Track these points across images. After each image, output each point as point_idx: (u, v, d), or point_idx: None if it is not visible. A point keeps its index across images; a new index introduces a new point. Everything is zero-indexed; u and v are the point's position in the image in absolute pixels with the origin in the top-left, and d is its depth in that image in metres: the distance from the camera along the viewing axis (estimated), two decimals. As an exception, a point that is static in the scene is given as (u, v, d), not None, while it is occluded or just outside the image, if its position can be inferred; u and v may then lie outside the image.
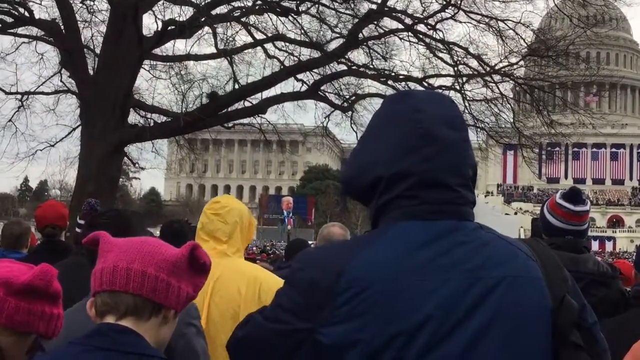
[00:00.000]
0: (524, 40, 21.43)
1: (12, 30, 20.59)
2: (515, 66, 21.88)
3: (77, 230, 4.47)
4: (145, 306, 2.02)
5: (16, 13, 19.59)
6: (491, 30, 20.75)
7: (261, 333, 1.84)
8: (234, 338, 1.93)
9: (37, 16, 19.85)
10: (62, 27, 19.23)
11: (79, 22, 19.61)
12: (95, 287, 2.06)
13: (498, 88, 21.74)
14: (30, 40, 21.17)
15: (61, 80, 21.35)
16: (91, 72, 19.27)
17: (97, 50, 20.00)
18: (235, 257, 3.73)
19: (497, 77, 21.51)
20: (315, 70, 21.43)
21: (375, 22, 20.75)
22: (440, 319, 1.68)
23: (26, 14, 19.47)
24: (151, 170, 62.88)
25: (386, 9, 20.29)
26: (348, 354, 1.69)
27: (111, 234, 2.19)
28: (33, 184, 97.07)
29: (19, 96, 21.77)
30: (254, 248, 39.06)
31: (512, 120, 22.74)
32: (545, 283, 1.79)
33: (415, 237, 1.76)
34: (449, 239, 1.77)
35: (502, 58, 21.28)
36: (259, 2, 20.45)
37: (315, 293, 1.75)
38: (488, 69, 21.24)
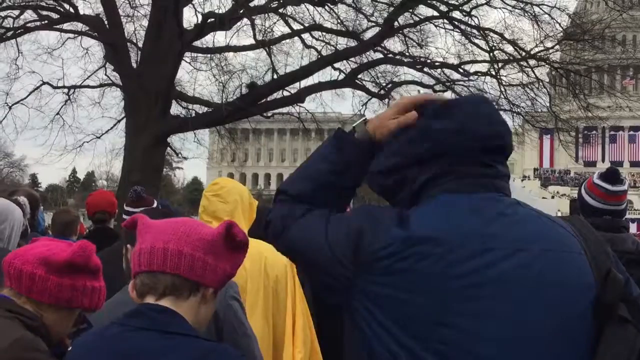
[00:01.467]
0: (559, 24, 21.12)
1: (57, 26, 20.90)
2: (551, 50, 21.55)
3: (125, 217, 4.52)
4: (184, 285, 2.02)
5: (61, 9, 19.88)
6: (526, 15, 20.50)
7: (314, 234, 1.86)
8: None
9: (81, 12, 20.15)
10: (106, 22, 19.42)
11: (121, 17, 19.82)
12: (134, 269, 2.08)
13: (534, 73, 21.49)
14: (75, 35, 21.48)
15: (106, 74, 21.67)
16: (134, 65, 19.45)
17: (140, 44, 20.19)
18: None
19: (532, 62, 21.23)
20: (352, 59, 21.36)
21: (411, 10, 20.57)
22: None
23: (71, 10, 19.75)
24: (193, 159, 63.33)
25: (421, -4, 20.14)
26: (379, 308, 1.71)
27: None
28: (81, 175, 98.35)
29: (65, 90, 22.13)
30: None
31: (548, 105, 22.46)
32: (588, 259, 1.76)
33: (458, 208, 1.77)
34: (490, 211, 1.77)
35: (537, 43, 21.02)
36: (296, -7, 20.43)
37: (361, 242, 1.76)
38: (524, 54, 20.96)
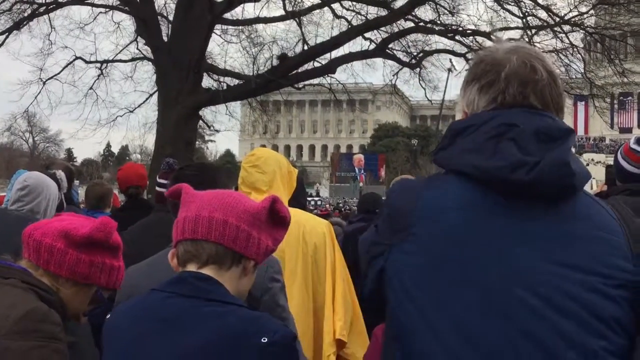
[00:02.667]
0: (594, -13, 20.70)
1: (89, 1, 21.01)
2: (585, 15, 21.10)
3: (158, 189, 4.55)
4: (226, 255, 2.02)
5: (92, -16, 19.91)
6: (560, -21, 20.13)
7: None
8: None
9: (111, -14, 20.15)
10: (136, -4, 19.47)
11: (151, -10, 19.83)
12: (177, 236, 2.07)
13: (568, 38, 21.09)
14: (107, 9, 21.58)
15: (137, 48, 21.78)
16: (165, 39, 19.49)
17: (170, 17, 20.21)
18: None
19: (566, 28, 20.83)
20: (383, 29, 21.16)
21: (442, -23, 20.33)
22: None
23: (101, -16, 19.77)
24: (226, 132, 63.58)
25: (452, -37, 19.85)
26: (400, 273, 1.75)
27: (197, 187, 2.20)
28: (115, 149, 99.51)
29: (98, 65, 22.30)
30: (327, 205, 39.16)
31: (583, 71, 22.07)
32: (628, 244, 1.72)
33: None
34: None
35: (571, 8, 20.58)
36: (325, -37, 20.26)
37: (397, 215, 1.82)
38: (557, 19, 20.58)
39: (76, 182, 6.99)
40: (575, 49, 21.44)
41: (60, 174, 4.97)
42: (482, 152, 1.74)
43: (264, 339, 1.88)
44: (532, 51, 1.89)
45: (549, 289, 1.63)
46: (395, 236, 1.79)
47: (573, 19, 20.68)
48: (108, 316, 2.12)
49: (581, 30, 21.39)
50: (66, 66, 22.04)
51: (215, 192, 2.11)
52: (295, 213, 3.74)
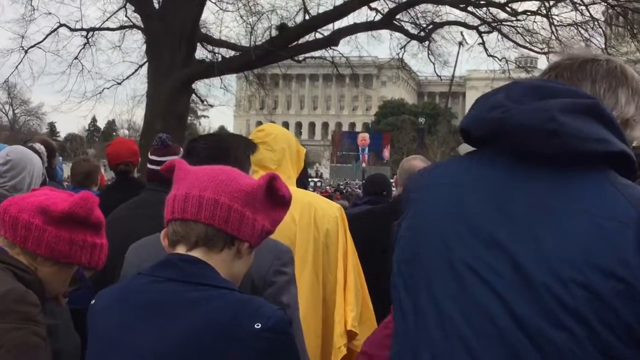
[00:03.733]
0: (617, -44, 20.59)
1: (74, -36, 20.84)
2: (607, -14, 21.06)
3: (150, 166, 4.54)
4: (218, 237, 2.01)
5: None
6: (581, -53, 19.99)
7: None
8: None
9: (99, -52, 20.00)
10: (126, -41, 19.36)
11: (142, -47, 19.69)
12: (167, 216, 2.06)
13: (588, 11, 20.96)
14: (94, -26, 21.40)
15: (126, 15, 21.59)
16: (156, 5, 19.37)
17: (162, -17, 20.11)
18: (288, 185, 3.62)
19: (587, 0, 20.76)
20: (390, -2, 21.07)
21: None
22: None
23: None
24: (220, 107, 63.42)
25: None
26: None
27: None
28: (101, 124, 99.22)
29: (84, 33, 22.13)
30: (328, 187, 39.17)
31: (603, 46, 21.95)
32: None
33: None
34: None
35: (593, -22, 20.51)
36: None
37: (405, 192, 1.94)
38: (577, -10, 20.51)
39: (60, 159, 6.97)
40: (595, 23, 21.33)
41: (40, 147, 4.96)
42: (477, 106, 1.80)
43: (257, 325, 1.86)
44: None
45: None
46: (405, 211, 1.87)
47: (594, -10, 20.59)
48: (93, 301, 2.11)
49: (602, 3, 21.28)
50: (49, 34, 21.91)
51: (209, 169, 2.09)
52: (306, 195, 3.75)
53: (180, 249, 2.03)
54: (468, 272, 1.66)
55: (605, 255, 1.55)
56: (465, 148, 1.94)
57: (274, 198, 2.08)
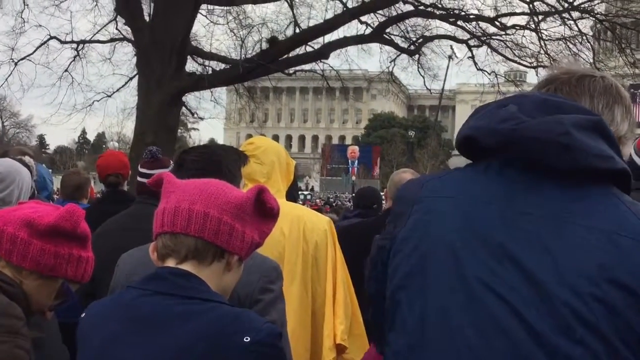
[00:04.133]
0: (605, -28, 20.74)
1: (65, -23, 20.83)
2: (595, 1, 21.15)
3: (140, 179, 4.53)
4: (208, 250, 2.00)
5: (69, -41, 19.76)
6: (569, -37, 20.12)
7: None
8: None
9: (90, -39, 20.02)
10: (116, -29, 19.35)
11: (133, -34, 19.70)
12: (156, 229, 2.05)
13: (577, 26, 21.11)
14: (84, -14, 21.43)
15: (117, 28, 21.60)
16: (147, 18, 19.37)
17: (153, -4, 20.11)
18: (277, 198, 3.58)
19: (575, 14, 20.87)
20: (380, 12, 21.11)
21: (444, -42, 20.30)
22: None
23: (79, -41, 19.62)
24: (210, 120, 63.35)
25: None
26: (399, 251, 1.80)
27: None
28: (91, 137, 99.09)
29: (74, 45, 22.14)
30: (318, 200, 39.20)
31: (592, 61, 22.09)
32: None
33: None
34: None
35: (581, -7, 20.64)
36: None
37: (400, 203, 1.89)
38: (566, 5, 20.60)
39: (49, 171, 6.94)
40: (584, 37, 21.48)
41: (30, 160, 4.94)
42: (486, 116, 1.78)
43: (247, 338, 1.85)
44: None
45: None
46: (398, 223, 1.84)
47: (582, 5, 20.73)
48: (82, 314, 2.10)
49: (591, 18, 21.43)
50: (40, 46, 21.90)
51: (198, 182, 2.08)
52: (295, 208, 3.76)
53: (170, 262, 2.02)
54: (480, 286, 1.64)
55: (621, 270, 1.57)
56: (454, 162, 1.95)
57: (263, 210, 2.08)
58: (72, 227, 2.29)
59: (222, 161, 2.84)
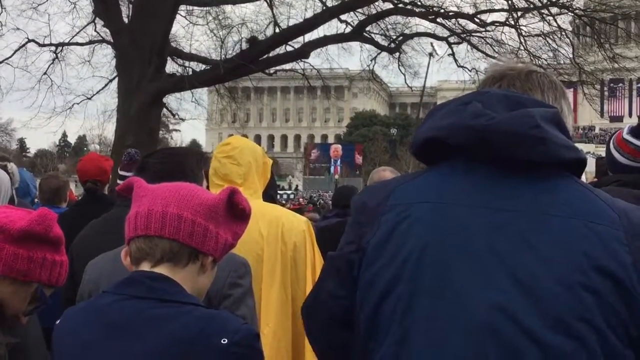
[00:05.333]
0: (583, -33, 20.88)
1: (42, -21, 20.72)
2: (574, -3, 21.32)
3: (119, 182, 4.51)
4: (182, 252, 2.00)
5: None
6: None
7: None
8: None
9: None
10: (94, -27, 19.27)
11: (111, -32, 19.63)
12: (129, 233, 2.04)
13: (556, 21, 21.25)
14: (62, -12, 21.30)
15: (95, 30, 21.58)
16: (126, 20, 19.30)
17: (131, -3, 20.04)
18: (254, 199, 3.54)
19: (554, 10, 20.99)
20: (360, 10, 21.17)
21: (422, -44, 20.36)
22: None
23: (56, -39, 19.55)
24: (192, 121, 63.20)
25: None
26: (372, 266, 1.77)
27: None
28: (72, 139, 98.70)
29: (53, 48, 22.08)
30: (300, 199, 39.16)
31: (571, 56, 22.26)
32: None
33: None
34: None
35: (560, -11, 20.74)
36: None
37: (364, 213, 1.86)
38: (545, 1, 20.72)
39: (30, 174, 6.89)
40: (563, 33, 21.62)
41: (12, 166, 4.90)
42: (450, 115, 1.79)
43: (224, 340, 1.86)
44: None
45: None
46: (364, 233, 1.82)
47: (561, 1, 20.83)
48: (58, 321, 2.08)
49: (570, 13, 21.57)
50: (18, 49, 21.81)
51: (169, 185, 2.08)
52: (273, 209, 3.74)
53: (145, 266, 2.01)
54: (467, 288, 1.63)
55: (605, 257, 1.60)
56: None
57: (235, 212, 2.08)
58: (44, 231, 2.27)
59: (185, 163, 2.87)
